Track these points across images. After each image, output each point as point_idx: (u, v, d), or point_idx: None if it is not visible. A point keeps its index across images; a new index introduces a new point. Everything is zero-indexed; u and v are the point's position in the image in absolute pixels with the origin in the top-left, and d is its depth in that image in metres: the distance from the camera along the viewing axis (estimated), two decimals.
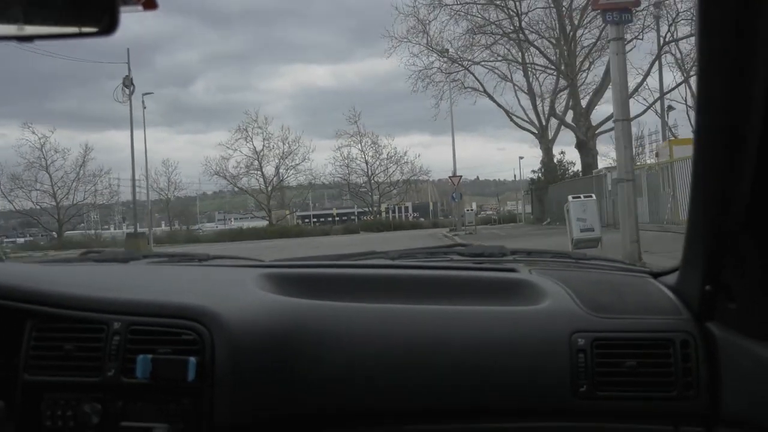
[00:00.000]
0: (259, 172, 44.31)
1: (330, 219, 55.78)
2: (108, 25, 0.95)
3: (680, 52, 26.65)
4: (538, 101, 31.39)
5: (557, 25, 28.19)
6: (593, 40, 27.84)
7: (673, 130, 30.77)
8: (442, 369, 1.23)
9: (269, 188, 44.86)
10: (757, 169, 0.90)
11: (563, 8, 27.62)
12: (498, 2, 27.86)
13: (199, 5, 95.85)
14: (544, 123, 31.89)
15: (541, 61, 29.99)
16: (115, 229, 48.34)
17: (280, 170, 44.34)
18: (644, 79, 26.03)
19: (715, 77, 0.91)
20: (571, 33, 27.99)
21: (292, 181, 45.76)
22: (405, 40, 30.28)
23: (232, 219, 54.98)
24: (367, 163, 45.35)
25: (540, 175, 32.82)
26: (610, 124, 28.06)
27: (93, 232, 41.94)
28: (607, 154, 29.53)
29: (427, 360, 1.24)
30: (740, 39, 0.85)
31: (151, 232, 28.75)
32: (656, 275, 1.44)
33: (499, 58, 30.06)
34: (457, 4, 27.93)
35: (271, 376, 1.21)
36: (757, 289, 1.03)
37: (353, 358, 1.24)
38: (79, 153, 39.29)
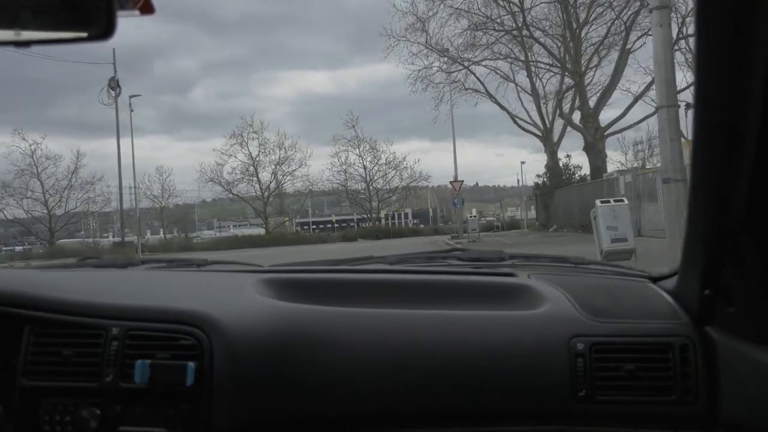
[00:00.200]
0: (254, 179, 43.24)
1: (329, 226, 55.36)
2: (105, 29, 0.94)
3: (691, 51, 25.48)
4: (542, 102, 30.22)
5: (563, 21, 26.99)
6: (599, 39, 26.73)
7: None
8: (440, 373, 1.23)
9: (266, 195, 43.80)
10: (756, 168, 0.89)
11: (569, 3, 26.43)
12: None
13: (198, 12, 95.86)
14: (548, 125, 30.70)
15: (546, 59, 28.88)
16: (113, 237, 47.37)
17: (277, 176, 43.29)
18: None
19: (713, 75, 0.91)
20: (578, 29, 26.78)
21: (289, 188, 44.84)
22: (403, 38, 29.21)
23: (231, 226, 54.25)
24: (365, 168, 44.24)
25: (545, 179, 31.48)
26: (618, 126, 26.95)
27: (91, 240, 41.28)
28: (613, 158, 28.38)
29: (426, 364, 1.23)
30: (738, 37, 0.84)
31: (140, 241, 27.64)
32: (655, 280, 1.43)
33: (502, 57, 28.92)
34: (458, 0, 26.83)
35: (269, 381, 1.21)
36: (757, 292, 1.03)
37: (352, 363, 1.23)
38: (71, 160, 38.22)
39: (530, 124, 31.12)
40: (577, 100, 27.67)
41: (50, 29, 0.96)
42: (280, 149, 43.01)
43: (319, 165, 53.61)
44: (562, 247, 15.85)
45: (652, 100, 25.18)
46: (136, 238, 28.51)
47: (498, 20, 27.41)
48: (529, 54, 28.96)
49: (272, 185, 43.59)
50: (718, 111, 0.93)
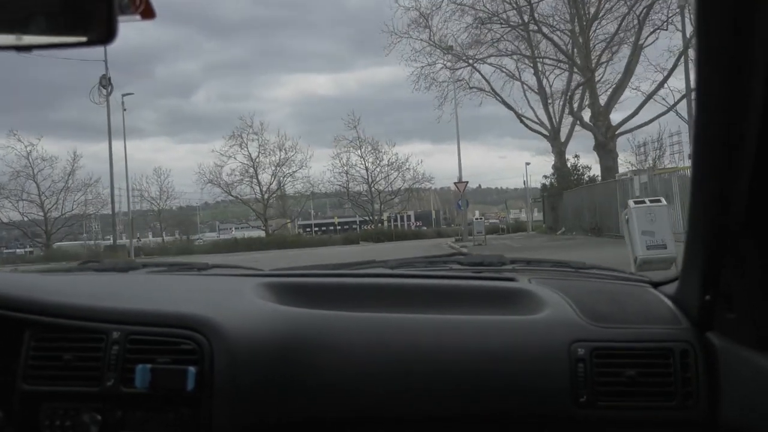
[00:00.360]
0: (254, 180, 42.39)
1: (332, 228, 55.09)
2: (106, 34, 0.95)
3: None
4: (550, 101, 29.26)
5: (572, 15, 25.96)
6: (610, 34, 25.68)
7: None
8: (441, 378, 1.23)
9: (266, 197, 42.95)
10: (756, 168, 0.89)
11: None
12: None
13: (200, 15, 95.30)
14: (556, 124, 29.73)
15: (553, 56, 27.86)
16: (137, 239, 46.41)
17: (278, 178, 42.45)
18: (668, 76, 23.72)
19: (713, 75, 0.91)
20: (588, 23, 25.72)
21: (289, 189, 44.06)
22: (405, 35, 28.32)
23: (233, 229, 53.33)
24: (367, 169, 43.34)
25: (552, 180, 30.44)
26: (630, 124, 25.92)
27: (93, 242, 40.74)
28: (622, 158, 27.28)
29: (427, 369, 1.23)
30: (738, 37, 0.84)
31: (132, 244, 26.71)
32: (656, 285, 1.43)
33: (508, 53, 27.94)
34: None
35: (270, 385, 1.20)
36: (757, 297, 1.02)
37: (352, 367, 1.23)
38: (68, 161, 37.41)
39: (537, 123, 30.20)
40: (587, 98, 26.62)
41: (51, 34, 0.96)
42: (280, 150, 42.20)
43: (320, 167, 52.99)
44: (578, 252, 14.87)
45: (663, 99, 24.21)
46: (129, 242, 27.61)
47: (503, 15, 26.46)
48: (535, 51, 28.00)
49: (272, 187, 42.81)
50: (718, 111, 0.92)
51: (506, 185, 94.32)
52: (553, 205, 30.38)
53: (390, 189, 43.98)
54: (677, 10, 21.67)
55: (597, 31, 26.53)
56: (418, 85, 35.46)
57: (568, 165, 29.41)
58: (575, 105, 27.08)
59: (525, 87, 30.11)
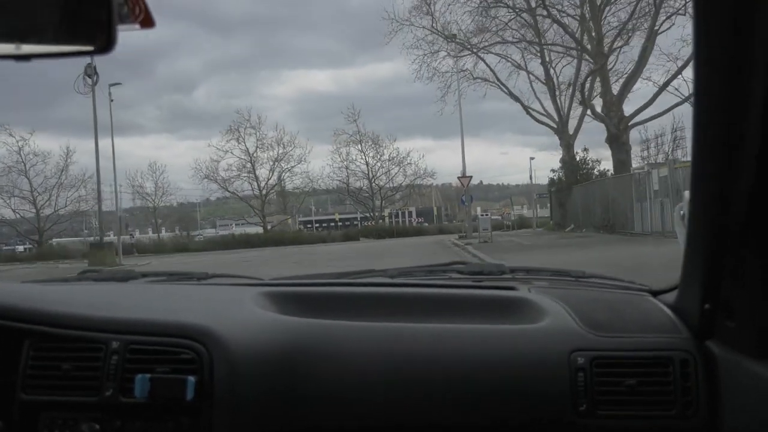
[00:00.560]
0: (252, 176, 41.22)
1: (332, 224, 54.46)
2: (105, 43, 0.95)
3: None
4: (558, 92, 27.95)
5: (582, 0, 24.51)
6: (623, 19, 24.23)
7: None
8: (441, 387, 1.22)
9: (263, 192, 41.75)
10: (757, 169, 0.89)
11: None
12: None
13: (200, 12, 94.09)
14: (564, 116, 28.42)
15: (562, 44, 26.50)
16: (114, 235, 45.64)
17: (276, 173, 41.30)
18: (685, 65, 22.17)
19: (713, 75, 0.90)
20: (601, 5, 24.25)
21: (288, 185, 42.95)
22: (407, 22, 27.06)
23: (233, 225, 52.39)
24: (367, 164, 42.10)
25: (560, 175, 29.04)
26: (645, 114, 24.54)
27: (92, 238, 39.75)
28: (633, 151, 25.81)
29: (426, 378, 1.23)
30: (738, 37, 0.84)
31: (120, 242, 25.54)
32: (655, 293, 1.42)
33: (515, 40, 26.60)
34: None
35: (270, 395, 1.20)
36: (757, 305, 1.02)
37: (352, 377, 1.23)
38: (60, 156, 36.31)
39: (544, 115, 28.91)
40: (597, 87, 25.25)
41: (51, 43, 0.96)
42: (278, 145, 41.03)
43: (321, 163, 51.98)
44: (597, 251, 13.62)
45: (676, 89, 22.88)
46: (117, 239, 26.43)
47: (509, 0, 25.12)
48: (543, 38, 26.67)
49: (270, 182, 41.68)
50: (717, 113, 0.92)
51: (508, 181, 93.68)
52: (561, 200, 28.93)
53: (391, 185, 42.83)
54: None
55: (609, 16, 25.08)
56: (420, 74, 34.10)
57: (577, 159, 28.07)
58: (586, 94, 25.72)
59: (531, 78, 28.84)
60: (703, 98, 0.93)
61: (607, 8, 24.86)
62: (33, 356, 1.24)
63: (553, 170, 29.61)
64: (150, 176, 44.51)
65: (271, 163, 41.22)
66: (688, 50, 21.31)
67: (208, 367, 1.17)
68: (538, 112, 28.92)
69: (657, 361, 1.20)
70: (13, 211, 36.65)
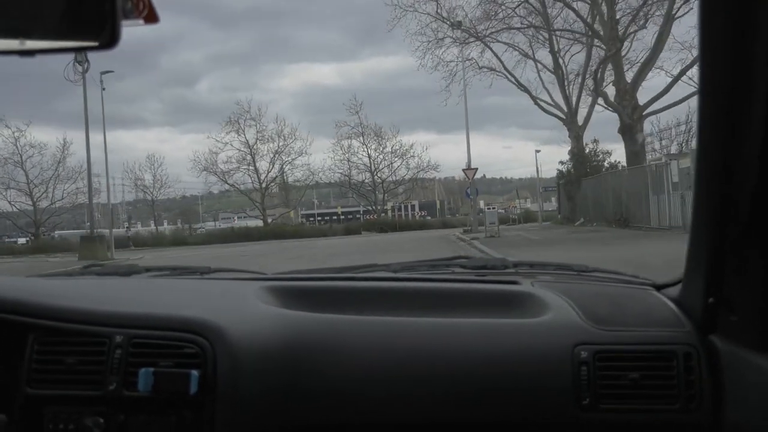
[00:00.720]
0: (251, 168, 40.32)
1: (335, 218, 53.45)
2: (109, 39, 0.95)
3: None
4: (569, 80, 26.95)
5: None
6: (637, 4, 23.13)
7: None
8: (444, 381, 1.22)
9: (263, 185, 40.86)
10: (760, 171, 0.90)
11: None
12: None
13: (203, 6, 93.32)
14: (573, 106, 27.45)
15: (572, 30, 25.46)
16: (119, 228, 45.01)
17: (276, 166, 40.42)
18: None
19: (716, 76, 0.91)
20: None
21: (289, 178, 42.13)
22: (411, 8, 26.09)
23: (235, 218, 51.75)
24: (369, 157, 41.14)
25: (569, 167, 28.00)
26: (661, 103, 23.50)
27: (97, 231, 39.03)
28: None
29: (430, 372, 1.23)
30: (742, 35, 0.84)
31: (112, 235, 24.66)
32: (659, 287, 1.42)
33: (523, 27, 25.57)
34: None
35: (273, 389, 1.20)
36: (760, 300, 1.02)
37: (355, 371, 1.23)
38: (57, 148, 35.49)
39: (552, 105, 27.94)
40: (609, 75, 24.21)
41: (54, 38, 0.96)
42: (279, 137, 40.11)
43: (324, 157, 51.22)
44: (619, 246, 12.67)
45: (690, 78, 21.86)
46: (109, 231, 25.59)
47: None
48: (551, 26, 25.64)
49: (270, 175, 40.82)
50: (722, 110, 0.92)
51: (511, 175, 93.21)
52: (570, 193, 27.87)
53: (394, 178, 41.94)
54: None
55: (621, 1, 23.94)
56: (424, 62, 32.99)
57: (587, 150, 27.09)
58: (591, 82, 24.70)
59: (540, 66, 27.86)
60: (708, 97, 0.93)
61: None
62: (37, 350, 1.24)
63: (561, 162, 28.58)
64: (149, 168, 43.59)
65: (272, 155, 40.32)
66: None
67: (211, 361, 1.17)
68: (546, 102, 27.97)
69: (660, 354, 1.20)
70: (10, 203, 35.89)
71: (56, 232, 37.76)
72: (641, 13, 22.84)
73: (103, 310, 1.27)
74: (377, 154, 41.12)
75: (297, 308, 1.32)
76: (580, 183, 26.42)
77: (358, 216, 48.91)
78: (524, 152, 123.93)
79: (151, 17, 1.02)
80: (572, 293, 1.36)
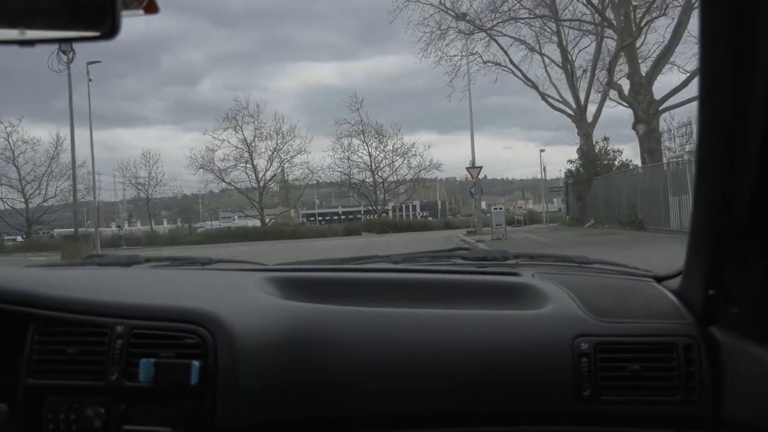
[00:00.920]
0: (249, 165, 39.21)
1: (336, 217, 52.46)
2: (109, 29, 0.94)
3: None
4: (580, 74, 25.76)
5: None
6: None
7: None
8: (444, 373, 1.22)
9: (261, 184, 39.76)
10: (759, 167, 0.90)
11: None
12: None
13: (205, 5, 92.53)
14: (582, 103, 26.29)
15: (584, 20, 24.24)
16: (110, 227, 43.99)
17: (275, 164, 39.31)
18: None
19: (717, 76, 0.91)
20: None
21: (288, 176, 40.98)
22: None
23: (235, 217, 50.87)
24: (370, 155, 40.00)
25: (578, 166, 26.74)
26: (679, 97, 22.19)
27: (91, 229, 37.99)
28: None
29: (430, 364, 1.22)
30: (742, 37, 0.84)
31: (98, 234, 23.67)
32: (659, 279, 1.42)
33: (530, 16, 24.38)
34: None
35: (274, 380, 1.20)
36: (760, 292, 1.02)
37: (356, 362, 1.23)
38: (50, 144, 34.49)
39: (560, 102, 26.78)
40: (620, 70, 22.97)
41: (54, 29, 0.95)
42: (277, 135, 39.02)
43: (324, 155, 50.27)
44: (647, 250, 11.43)
45: None
46: (95, 230, 24.59)
47: None
48: (560, 17, 24.46)
49: (268, 173, 39.73)
50: (722, 112, 0.92)
51: (512, 176, 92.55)
52: (579, 194, 26.57)
53: (395, 177, 40.85)
54: None
55: None
56: (427, 53, 31.67)
57: (596, 149, 25.87)
58: (604, 79, 23.49)
59: (548, 60, 26.70)
60: (707, 97, 0.93)
61: None
62: (38, 341, 1.24)
63: (570, 161, 27.33)
64: (144, 165, 42.41)
65: (270, 153, 39.22)
66: None
67: (212, 352, 1.17)
68: (554, 98, 26.80)
69: (661, 346, 1.20)
70: (1, 200, 34.88)
71: (55, 230, 36.83)
72: (659, 1, 21.44)
73: (104, 300, 1.27)
74: (378, 152, 40.07)
75: (298, 299, 1.32)
76: (590, 183, 25.19)
77: (359, 216, 48.28)
78: (525, 153, 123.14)
79: (151, 7, 0.99)
80: (573, 285, 1.36)
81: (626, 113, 22.01)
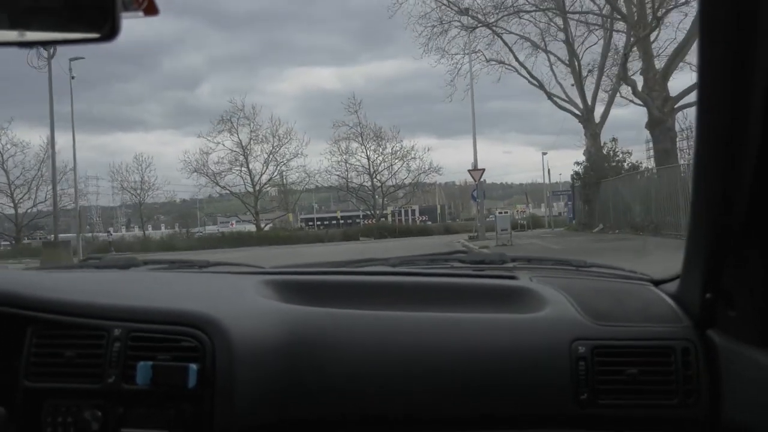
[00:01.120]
0: (244, 169, 38.04)
1: (334, 222, 51.33)
2: (109, 31, 0.94)
3: None
4: (588, 71, 24.66)
5: None
6: None
7: None
8: (442, 376, 1.22)
9: (257, 188, 38.57)
10: (758, 168, 0.90)
11: None
12: None
13: (205, 8, 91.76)
14: (589, 102, 25.17)
15: (592, 14, 23.13)
16: (114, 232, 42.76)
17: (271, 167, 38.15)
18: None
19: (716, 75, 0.92)
20: None
21: (285, 179, 39.76)
22: None
23: (233, 222, 49.68)
24: (368, 159, 38.81)
25: (586, 168, 25.53)
26: (695, 96, 21.01)
27: (91, 234, 38.20)
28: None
29: (428, 367, 1.23)
30: (741, 37, 0.85)
31: (80, 240, 22.50)
32: (657, 283, 1.43)
33: (540, 8, 23.26)
34: None
35: (271, 383, 1.20)
36: (758, 295, 1.03)
37: (354, 365, 1.23)
38: (41, 147, 33.42)
39: (566, 101, 25.66)
40: (631, 67, 21.79)
41: (54, 30, 0.95)
42: (273, 137, 37.87)
43: (321, 158, 49.29)
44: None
45: None
46: (76, 235, 23.46)
47: None
48: (568, 21, 23.36)
49: (264, 177, 38.56)
50: (721, 112, 0.93)
51: (512, 180, 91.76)
52: (587, 197, 25.39)
53: (394, 181, 39.71)
54: None
55: None
56: (428, 48, 30.50)
57: (604, 151, 24.71)
58: (614, 76, 22.36)
59: (552, 60, 25.59)
60: (707, 97, 0.94)
61: None
62: (36, 343, 1.24)
63: (577, 163, 26.11)
64: (136, 170, 41.20)
65: (266, 156, 38.08)
66: None
67: (210, 355, 1.17)
68: (560, 98, 25.67)
69: (658, 350, 1.21)
70: None
71: (50, 236, 35.65)
72: None
73: (102, 303, 1.26)
74: (376, 155, 38.94)
75: (296, 302, 1.32)
76: (598, 186, 23.99)
77: (357, 220, 47.45)
78: (524, 157, 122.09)
79: (151, 9, 0.98)
80: (570, 288, 1.36)
81: (633, 116, 20.95)
